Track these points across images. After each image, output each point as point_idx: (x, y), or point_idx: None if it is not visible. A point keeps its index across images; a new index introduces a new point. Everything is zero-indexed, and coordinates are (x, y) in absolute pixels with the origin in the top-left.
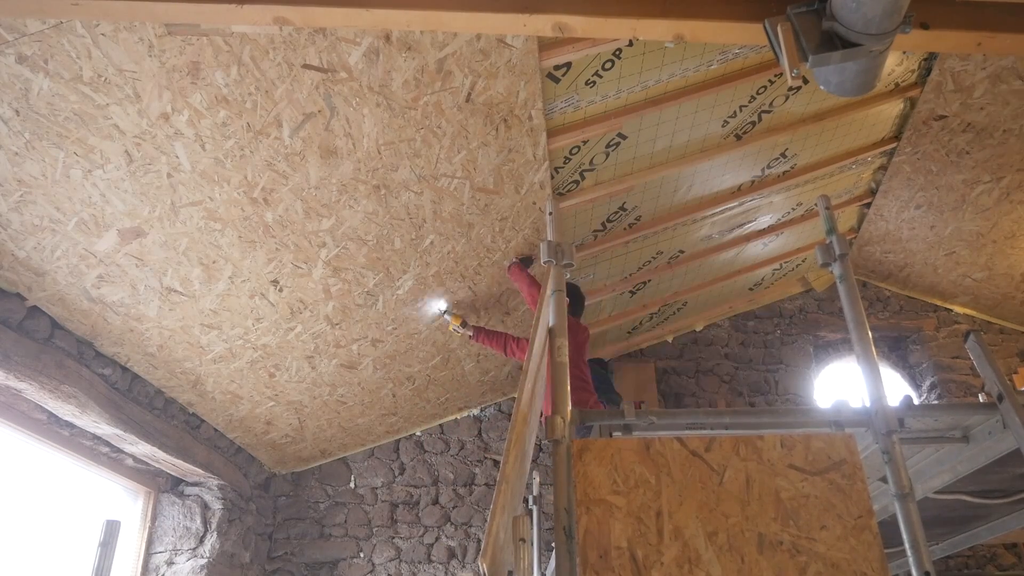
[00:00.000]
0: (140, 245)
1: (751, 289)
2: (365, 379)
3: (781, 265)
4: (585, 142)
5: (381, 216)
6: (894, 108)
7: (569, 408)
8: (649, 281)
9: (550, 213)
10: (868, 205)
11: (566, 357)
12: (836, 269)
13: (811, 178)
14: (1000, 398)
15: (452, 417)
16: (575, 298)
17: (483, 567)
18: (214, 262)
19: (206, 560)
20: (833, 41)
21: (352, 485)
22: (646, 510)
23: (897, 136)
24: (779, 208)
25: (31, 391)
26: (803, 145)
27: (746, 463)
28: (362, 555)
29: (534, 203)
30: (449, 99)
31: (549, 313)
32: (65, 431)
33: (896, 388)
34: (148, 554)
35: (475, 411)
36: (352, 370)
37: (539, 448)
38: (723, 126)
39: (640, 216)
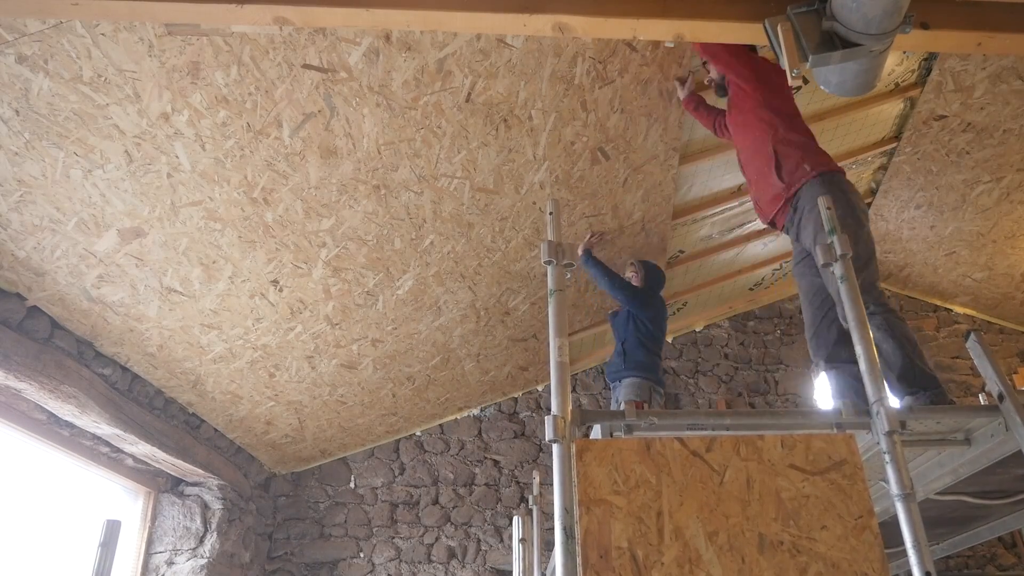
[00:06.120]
0: (140, 245)
1: (751, 289)
2: (365, 379)
3: (781, 265)
4: None
5: (381, 216)
6: (894, 108)
7: (570, 408)
8: None
9: (550, 213)
10: (868, 205)
11: (567, 357)
12: (837, 270)
13: None
14: (1001, 398)
15: (452, 417)
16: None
17: None
18: (214, 262)
19: (206, 560)
20: (833, 41)
21: (352, 485)
22: (647, 510)
23: (897, 136)
24: None
25: (31, 391)
26: None
27: (747, 463)
28: (362, 555)
29: (534, 203)
30: (449, 99)
31: (552, 311)
32: (65, 431)
33: None
34: (148, 554)
35: (475, 411)
36: (352, 370)
37: (539, 448)
38: None
39: None
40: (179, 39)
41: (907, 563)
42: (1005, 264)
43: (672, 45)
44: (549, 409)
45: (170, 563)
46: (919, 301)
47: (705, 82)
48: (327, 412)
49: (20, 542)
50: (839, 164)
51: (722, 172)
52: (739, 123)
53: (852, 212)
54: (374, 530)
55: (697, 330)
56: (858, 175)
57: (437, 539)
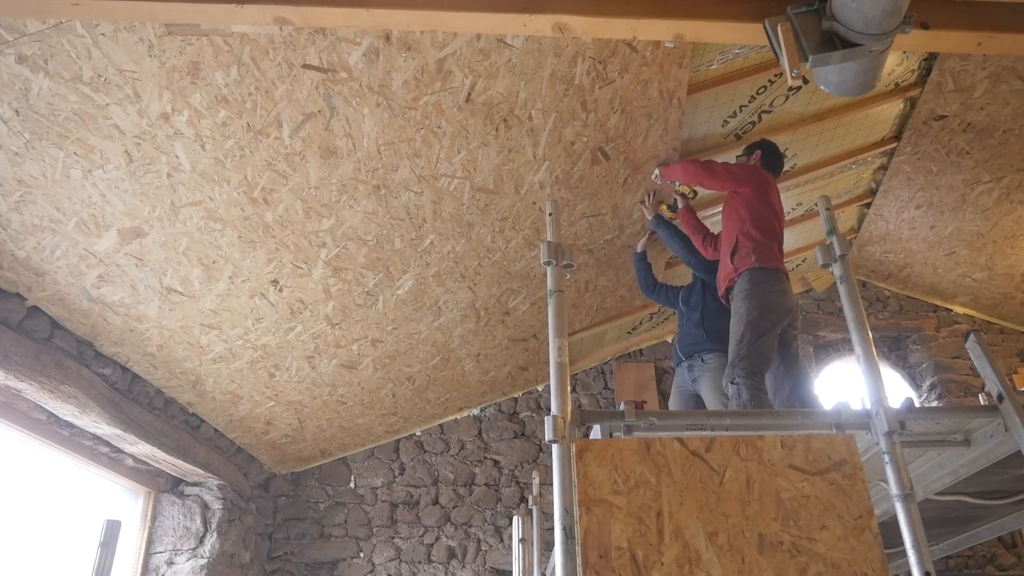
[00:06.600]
0: (140, 245)
1: None
2: (365, 379)
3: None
4: None
5: (381, 216)
6: (894, 108)
7: (570, 408)
8: None
9: (549, 214)
10: (868, 205)
11: (566, 358)
12: (836, 270)
13: (811, 178)
14: (1000, 398)
15: (452, 417)
16: (775, 158)
17: None
18: (214, 262)
19: (206, 560)
20: (833, 41)
21: (352, 485)
22: (646, 510)
23: (897, 136)
24: None
25: (31, 391)
26: (803, 145)
27: (746, 463)
28: (362, 555)
29: (534, 203)
30: (449, 99)
31: (551, 311)
32: (65, 431)
33: (896, 388)
34: (148, 554)
35: (475, 411)
36: (352, 370)
37: (539, 448)
38: (723, 126)
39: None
40: (179, 39)
41: (907, 563)
42: (1005, 264)
43: (672, 45)
44: (549, 409)
45: (170, 563)
46: (919, 301)
47: (674, 196)
48: (327, 412)
49: (20, 542)
50: (777, 256)
51: None
52: (726, 209)
53: (758, 306)
54: (374, 530)
55: None
56: (858, 175)
57: (437, 539)
